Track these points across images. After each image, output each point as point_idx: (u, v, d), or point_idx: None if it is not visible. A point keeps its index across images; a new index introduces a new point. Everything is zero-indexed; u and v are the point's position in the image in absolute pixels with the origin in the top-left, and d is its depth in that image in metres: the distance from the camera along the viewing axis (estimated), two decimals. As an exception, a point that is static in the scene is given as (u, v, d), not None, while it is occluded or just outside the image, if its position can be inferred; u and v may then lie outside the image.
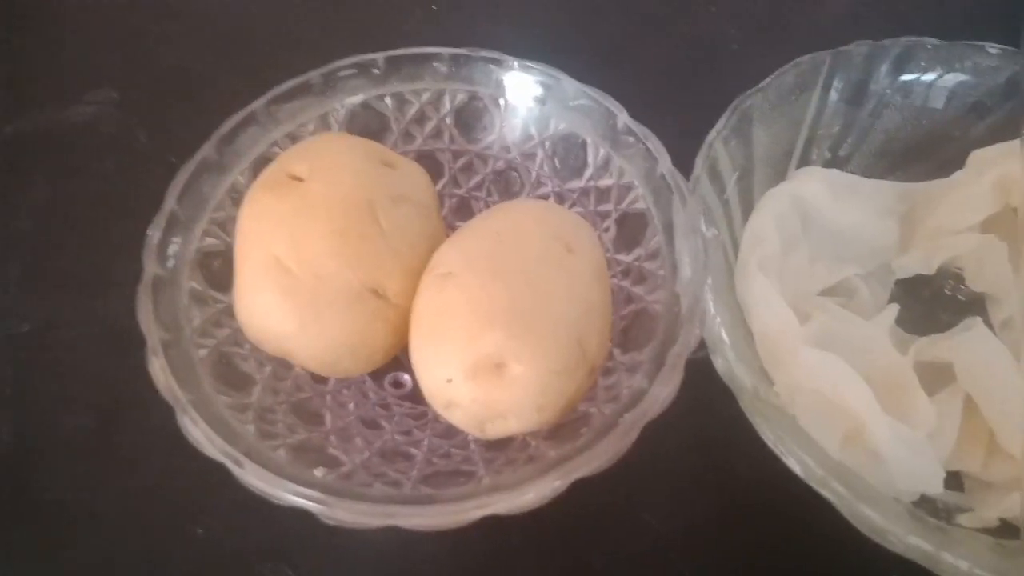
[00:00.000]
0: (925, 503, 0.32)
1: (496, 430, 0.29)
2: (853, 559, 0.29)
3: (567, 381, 0.29)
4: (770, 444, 0.29)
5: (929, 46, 0.39)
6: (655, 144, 0.34)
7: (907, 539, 0.27)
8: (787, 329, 0.31)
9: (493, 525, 0.32)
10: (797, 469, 0.28)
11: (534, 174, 0.37)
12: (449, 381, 0.28)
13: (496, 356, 0.28)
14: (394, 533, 0.32)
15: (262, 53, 0.48)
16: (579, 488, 0.31)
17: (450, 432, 0.32)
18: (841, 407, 0.30)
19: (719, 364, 0.30)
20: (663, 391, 0.28)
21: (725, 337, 0.30)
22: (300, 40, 0.49)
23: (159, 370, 0.29)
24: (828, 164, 0.39)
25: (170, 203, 0.32)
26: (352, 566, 0.32)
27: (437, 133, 0.38)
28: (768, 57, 0.38)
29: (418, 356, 0.30)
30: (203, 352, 0.31)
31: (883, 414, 0.29)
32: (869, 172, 0.40)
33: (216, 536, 0.33)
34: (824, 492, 0.28)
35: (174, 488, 0.33)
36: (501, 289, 0.29)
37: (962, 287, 0.38)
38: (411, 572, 0.33)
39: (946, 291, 0.38)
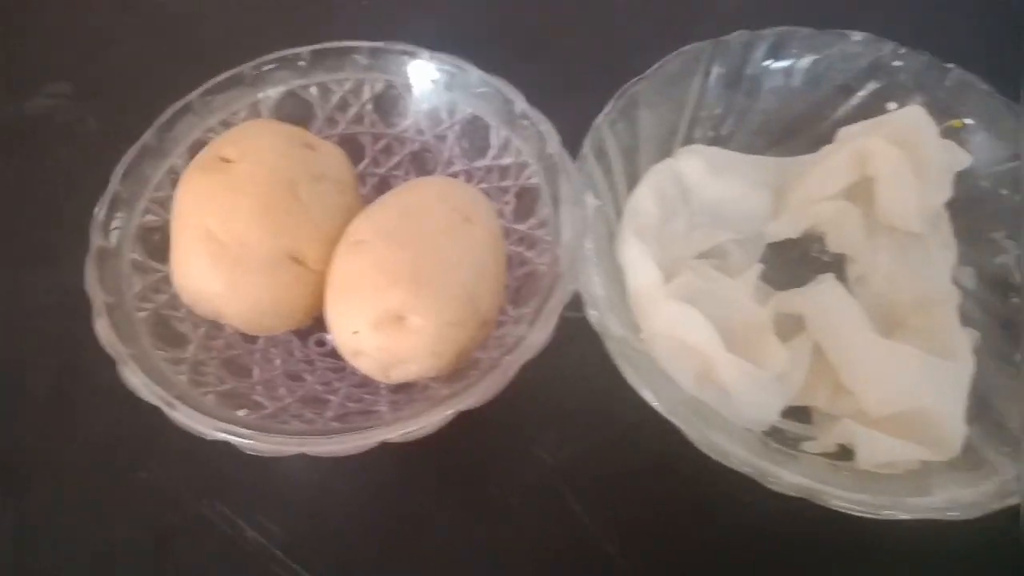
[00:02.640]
0: (776, 433, 0.37)
1: (399, 375, 0.34)
2: (705, 477, 0.34)
3: (460, 332, 0.33)
4: (631, 382, 0.33)
5: (801, 34, 0.43)
6: (546, 127, 0.38)
7: (744, 458, 0.32)
8: (652, 285, 0.36)
9: (402, 460, 0.37)
10: (655, 403, 0.33)
11: (446, 154, 0.42)
12: (356, 332, 0.33)
13: (397, 310, 0.32)
14: (313, 470, 0.37)
15: (205, 47, 0.51)
16: (479, 428, 0.36)
17: (365, 382, 0.37)
18: (694, 349, 0.35)
19: (592, 316, 0.34)
20: (538, 337, 0.32)
21: (599, 292, 0.35)
22: (241, 34, 0.52)
23: (102, 329, 0.33)
24: (711, 142, 0.44)
25: (114, 184, 0.37)
26: (276, 499, 0.37)
27: (358, 119, 0.42)
28: (669, 47, 0.43)
29: (331, 312, 0.34)
30: (143, 314, 0.35)
31: (728, 354, 0.34)
32: (750, 149, 0.44)
33: (158, 478, 0.37)
34: (674, 420, 0.32)
35: (121, 436, 0.38)
36: (404, 254, 0.33)
37: (825, 249, 0.42)
38: (328, 503, 0.37)
39: (812, 253, 0.43)
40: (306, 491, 0.38)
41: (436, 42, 0.41)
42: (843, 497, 0.32)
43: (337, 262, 0.34)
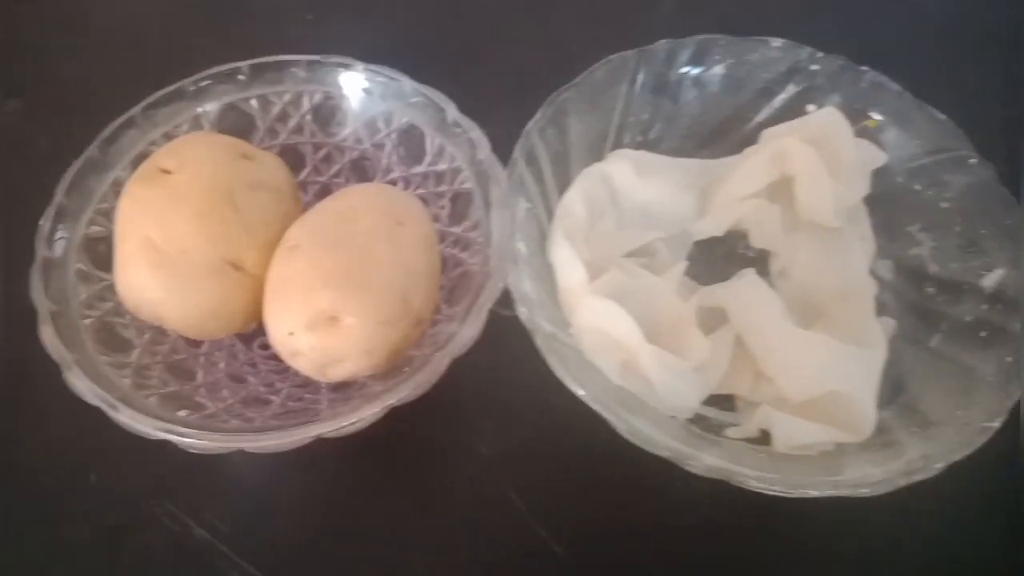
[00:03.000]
0: (701, 420, 0.39)
1: (335, 373, 0.35)
2: (632, 463, 0.35)
3: (392, 330, 0.35)
4: (558, 374, 0.35)
5: (722, 42, 0.45)
6: (477, 134, 0.40)
7: (664, 442, 0.33)
8: (579, 283, 0.38)
9: (345, 456, 0.38)
10: (580, 393, 0.34)
11: (384, 161, 0.43)
12: (291, 334, 0.34)
13: (330, 311, 0.34)
14: (258, 469, 0.39)
15: (153, 63, 0.53)
16: (420, 423, 0.37)
17: (306, 383, 0.38)
18: (618, 341, 0.37)
19: (522, 313, 0.36)
20: (468, 333, 0.34)
21: (529, 291, 0.37)
22: (189, 51, 0.54)
23: (48, 336, 0.34)
24: (640, 147, 0.46)
25: (59, 197, 0.38)
26: (223, 497, 0.38)
27: (298, 129, 0.44)
28: (598, 56, 0.44)
29: (268, 314, 0.35)
30: (88, 321, 0.36)
31: (648, 346, 0.36)
32: (678, 152, 0.46)
33: (108, 480, 0.39)
34: (598, 409, 0.34)
35: (71, 441, 0.39)
36: (337, 257, 0.35)
37: (749, 245, 0.45)
38: (273, 500, 0.39)
39: (738, 249, 0.45)
40: (252, 489, 0.39)
41: (375, 54, 0.43)
42: (757, 477, 0.33)
43: (273, 266, 0.36)
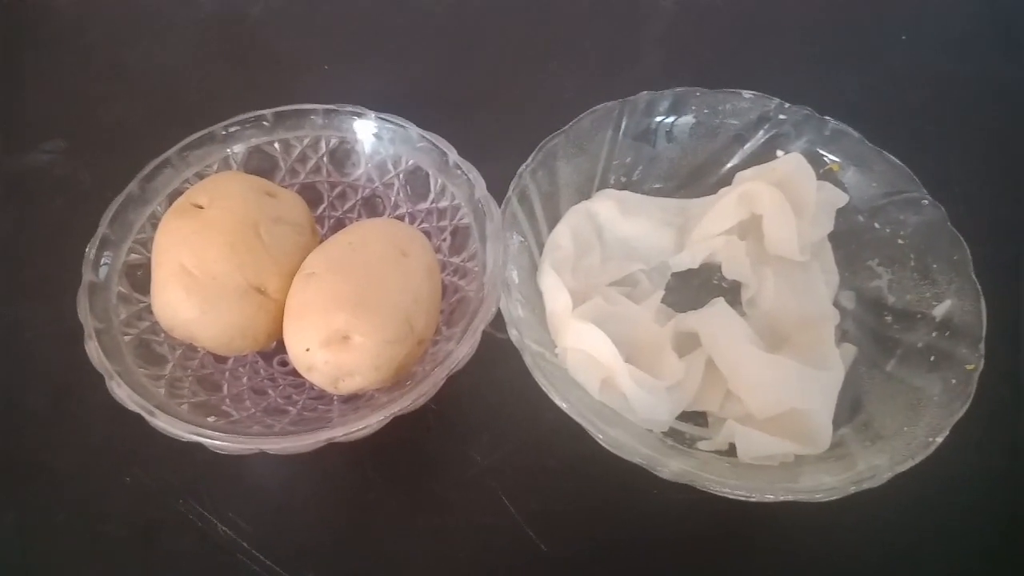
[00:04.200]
0: (676, 434, 0.43)
1: (347, 386, 0.40)
2: (614, 471, 0.39)
3: (398, 348, 0.39)
4: (545, 390, 0.39)
5: (697, 93, 0.50)
6: (475, 175, 0.45)
7: (637, 450, 0.38)
8: (564, 308, 0.42)
9: (355, 463, 0.43)
10: (564, 406, 0.39)
11: (393, 199, 0.48)
12: (308, 350, 0.39)
13: (343, 330, 0.38)
14: (277, 472, 0.43)
15: (186, 108, 0.58)
16: (423, 434, 0.42)
17: (320, 395, 0.42)
18: (598, 361, 0.41)
19: (513, 334, 0.41)
20: (462, 351, 0.39)
21: (520, 315, 0.41)
22: (218, 97, 0.59)
23: (93, 350, 0.39)
24: (624, 187, 0.51)
25: (103, 228, 0.43)
26: (245, 498, 0.43)
27: (317, 169, 0.48)
28: (587, 106, 0.49)
29: (287, 333, 0.40)
30: (127, 338, 0.41)
31: (625, 365, 0.40)
32: (660, 192, 0.51)
33: (143, 481, 0.43)
34: (580, 421, 0.38)
35: (109, 447, 0.44)
36: (349, 283, 0.39)
37: (722, 276, 0.49)
38: (290, 501, 0.43)
39: (713, 280, 0.49)
40: (271, 491, 0.43)
41: (385, 102, 0.48)
42: (721, 483, 0.37)
43: (293, 291, 0.40)
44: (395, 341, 0.39)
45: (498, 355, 0.42)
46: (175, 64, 0.63)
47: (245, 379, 0.44)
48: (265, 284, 0.41)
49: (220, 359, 0.44)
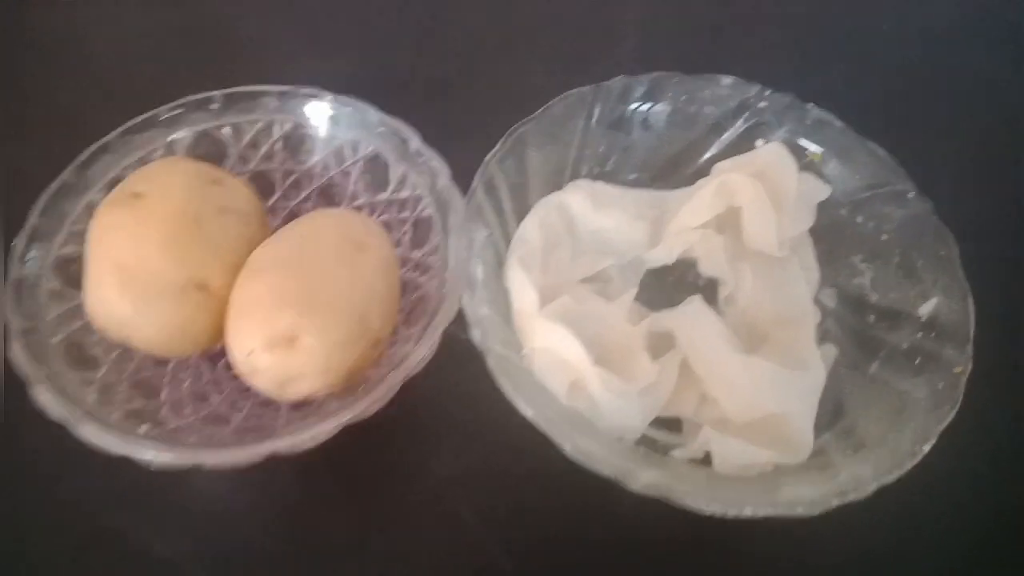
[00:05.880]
0: (648, 442, 0.40)
1: (294, 391, 0.37)
2: (581, 483, 0.37)
3: (350, 350, 0.36)
4: (508, 396, 0.36)
5: (675, 79, 0.48)
6: (438, 163, 0.42)
7: (606, 460, 0.35)
8: (531, 307, 0.40)
9: (305, 474, 0.40)
10: (528, 413, 0.36)
11: (350, 188, 0.45)
12: (251, 353, 0.36)
13: (289, 331, 0.35)
14: (220, 486, 0.40)
15: (134, 89, 0.54)
16: (379, 443, 0.39)
17: (268, 402, 0.39)
18: (567, 363, 0.38)
19: (475, 335, 0.38)
20: (420, 352, 0.36)
21: (484, 314, 0.39)
22: (169, 79, 0.55)
23: (16, 352, 0.36)
24: (597, 178, 0.48)
25: (32, 218, 0.39)
26: (186, 513, 0.40)
27: (269, 156, 0.45)
28: (558, 92, 0.47)
29: (229, 334, 0.37)
30: (57, 339, 0.38)
31: (595, 367, 0.38)
32: (635, 183, 0.49)
33: (74, 493, 0.40)
34: (544, 428, 0.35)
35: (42, 454, 0.40)
36: (298, 279, 0.36)
37: (698, 273, 0.46)
38: (234, 516, 0.40)
39: (688, 277, 0.47)
40: (213, 505, 0.40)
41: (347, 87, 0.44)
42: (694, 495, 0.35)
43: (237, 288, 0.37)
44: (347, 342, 0.36)
45: (461, 357, 0.39)
46: (123, 40, 0.59)
47: (187, 383, 0.40)
48: (207, 280, 0.38)
49: (160, 362, 0.41)
